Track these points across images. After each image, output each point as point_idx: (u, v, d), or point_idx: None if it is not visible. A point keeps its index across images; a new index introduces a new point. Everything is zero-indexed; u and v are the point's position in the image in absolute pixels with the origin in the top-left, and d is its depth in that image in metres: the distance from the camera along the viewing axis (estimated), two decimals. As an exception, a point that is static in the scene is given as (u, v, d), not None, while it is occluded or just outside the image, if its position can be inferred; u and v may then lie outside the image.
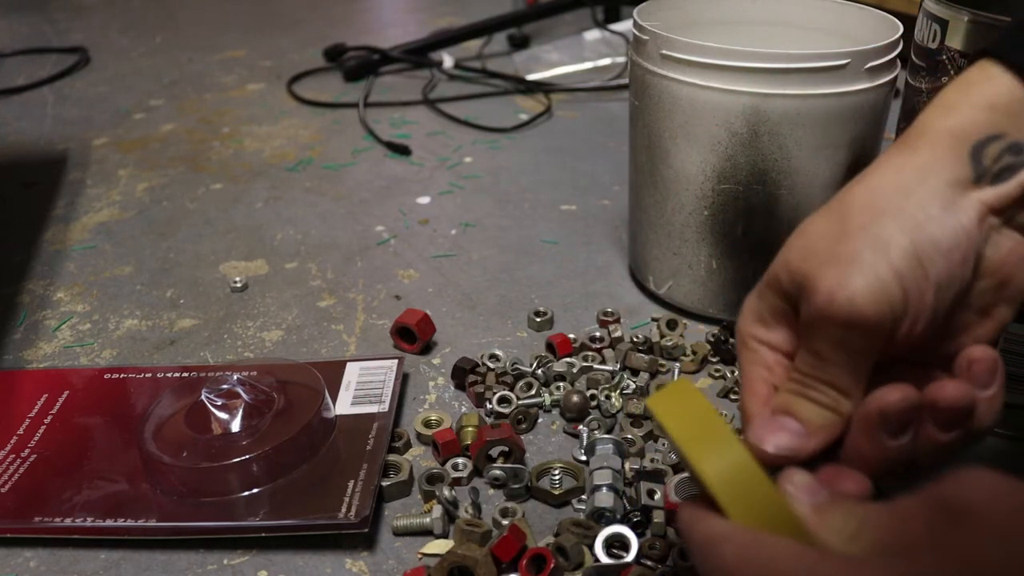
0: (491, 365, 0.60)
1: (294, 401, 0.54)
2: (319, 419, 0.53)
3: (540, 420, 0.57)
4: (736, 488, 0.30)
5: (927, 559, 0.25)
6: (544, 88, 1.17)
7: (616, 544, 0.45)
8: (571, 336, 0.62)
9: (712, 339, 0.62)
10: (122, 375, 0.61)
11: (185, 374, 0.60)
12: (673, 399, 0.33)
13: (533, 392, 0.57)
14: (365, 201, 0.88)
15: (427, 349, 0.64)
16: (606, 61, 1.26)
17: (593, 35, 1.31)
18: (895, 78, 0.59)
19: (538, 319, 0.66)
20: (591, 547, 0.45)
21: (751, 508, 0.30)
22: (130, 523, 0.48)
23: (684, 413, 0.33)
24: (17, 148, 1.04)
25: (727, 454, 0.31)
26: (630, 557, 0.44)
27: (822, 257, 0.33)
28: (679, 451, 0.34)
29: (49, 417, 0.57)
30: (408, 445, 0.55)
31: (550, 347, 0.62)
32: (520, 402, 0.56)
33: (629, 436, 0.53)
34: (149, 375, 0.61)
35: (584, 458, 0.52)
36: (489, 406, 0.56)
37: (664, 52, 0.58)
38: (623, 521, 0.47)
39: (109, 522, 0.48)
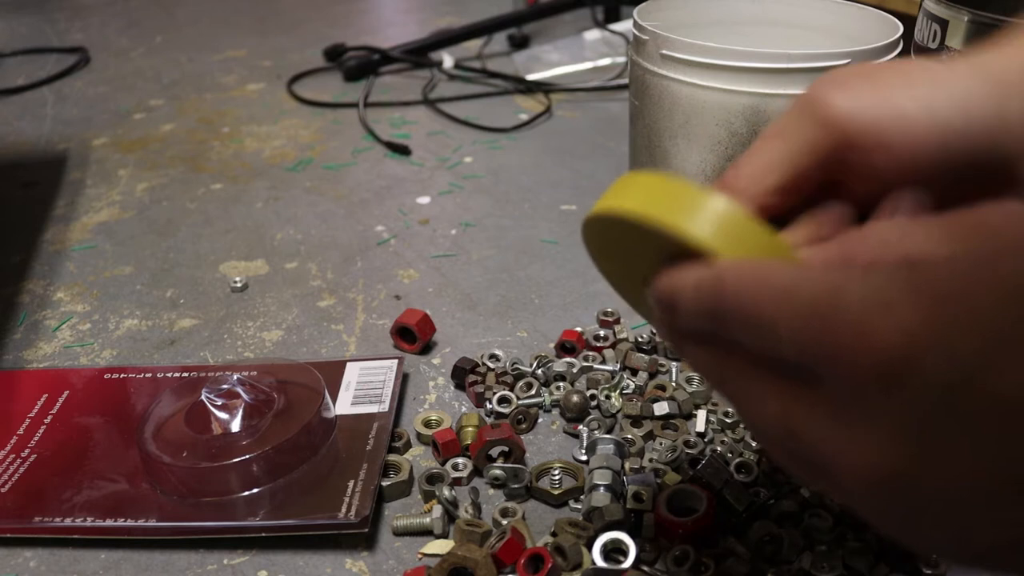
0: (491, 365, 0.60)
1: (294, 401, 0.54)
2: (319, 419, 0.53)
3: (540, 420, 0.57)
4: (738, 244, 0.26)
5: (939, 262, 0.23)
6: (544, 88, 1.17)
7: (614, 549, 0.45)
8: (578, 329, 0.63)
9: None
10: (122, 375, 0.61)
11: (185, 374, 0.60)
12: (619, 193, 0.29)
13: (533, 392, 0.57)
14: (365, 201, 0.88)
15: (427, 349, 0.64)
16: (606, 61, 1.26)
17: (593, 35, 1.31)
18: (895, 78, 0.59)
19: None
20: (589, 547, 0.45)
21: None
22: (130, 523, 0.48)
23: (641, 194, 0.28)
24: (17, 148, 1.04)
25: (711, 211, 0.27)
26: (628, 563, 0.44)
27: None
28: (636, 248, 0.30)
29: (49, 417, 0.57)
30: (408, 445, 0.55)
31: (563, 347, 0.62)
32: (520, 402, 0.56)
33: (629, 436, 0.53)
34: (149, 375, 0.61)
35: (584, 458, 0.52)
36: (489, 406, 0.56)
37: (664, 52, 0.58)
38: (621, 526, 0.47)
39: (109, 522, 0.48)
